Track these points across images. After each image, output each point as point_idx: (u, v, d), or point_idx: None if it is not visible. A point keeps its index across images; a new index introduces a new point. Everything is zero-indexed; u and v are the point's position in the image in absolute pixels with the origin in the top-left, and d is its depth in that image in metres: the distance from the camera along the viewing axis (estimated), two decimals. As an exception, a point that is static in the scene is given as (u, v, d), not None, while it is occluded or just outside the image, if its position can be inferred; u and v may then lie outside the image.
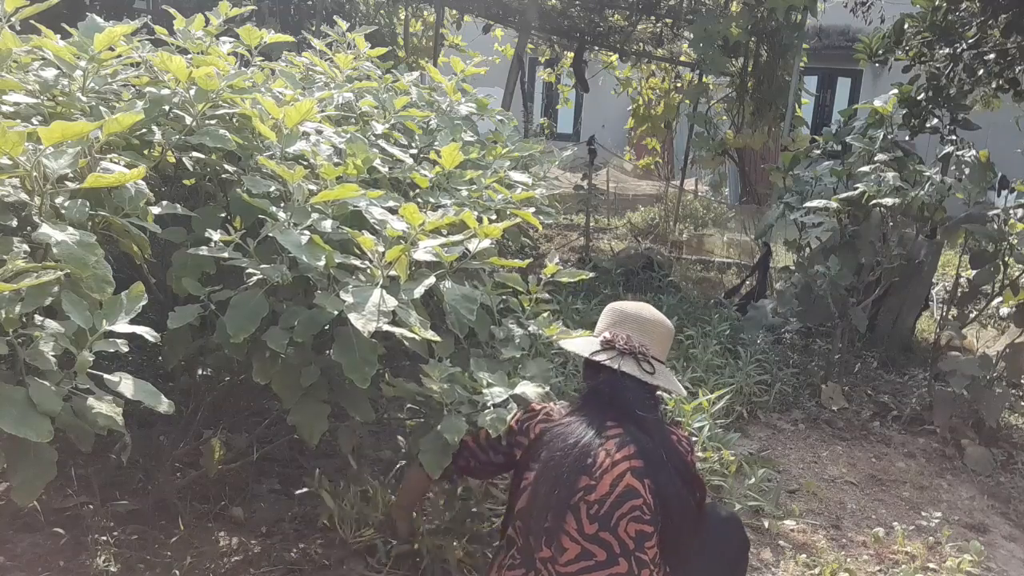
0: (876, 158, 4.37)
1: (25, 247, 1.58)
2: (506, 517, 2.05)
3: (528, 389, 2.09)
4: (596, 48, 10.04)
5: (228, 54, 2.43)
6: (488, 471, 2.17)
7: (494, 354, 2.28)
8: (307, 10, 7.53)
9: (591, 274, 2.37)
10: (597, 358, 1.98)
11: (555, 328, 2.34)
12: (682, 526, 1.87)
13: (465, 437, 1.99)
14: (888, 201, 4.11)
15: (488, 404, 2.02)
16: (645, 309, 2.10)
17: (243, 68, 2.44)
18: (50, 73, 2.07)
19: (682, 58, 9.45)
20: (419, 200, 2.36)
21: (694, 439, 3.37)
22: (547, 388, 2.16)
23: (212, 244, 1.88)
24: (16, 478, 1.53)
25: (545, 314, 2.44)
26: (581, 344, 2.08)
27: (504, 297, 2.40)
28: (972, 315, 4.58)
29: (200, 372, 2.56)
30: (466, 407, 2.05)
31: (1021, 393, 4.74)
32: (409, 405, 2.54)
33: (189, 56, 2.26)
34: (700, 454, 3.33)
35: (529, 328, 2.37)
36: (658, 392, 2.03)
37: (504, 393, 2.05)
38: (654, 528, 1.81)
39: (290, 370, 1.95)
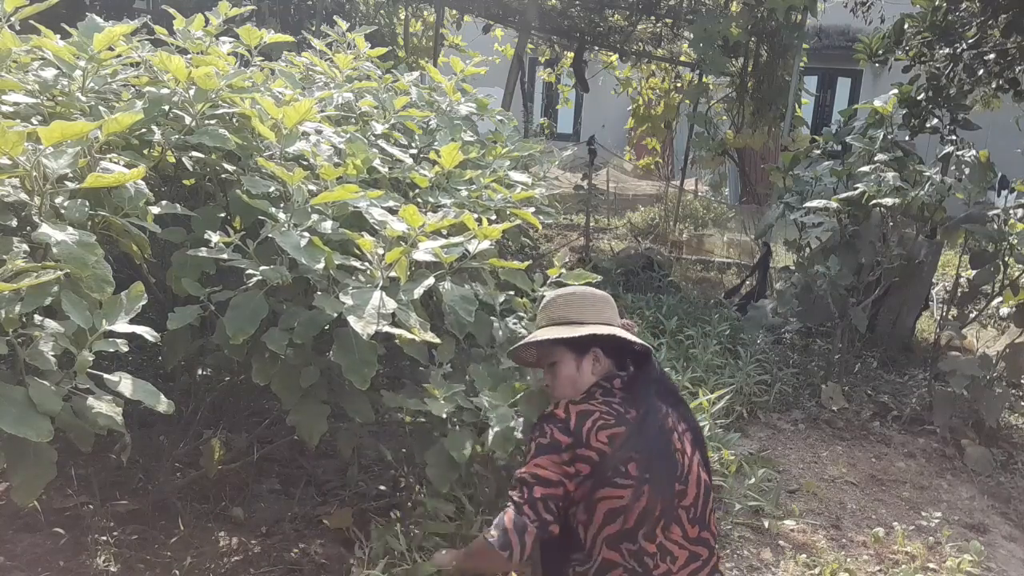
0: (876, 158, 4.37)
1: (25, 247, 1.58)
2: (595, 538, 1.74)
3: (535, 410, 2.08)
4: (596, 48, 10.04)
5: (228, 54, 2.43)
6: (566, 501, 1.77)
7: (493, 356, 2.28)
8: (307, 10, 7.53)
9: (599, 277, 2.36)
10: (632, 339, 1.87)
11: None
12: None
13: (529, 494, 1.69)
14: (888, 201, 4.11)
15: (493, 424, 2.00)
16: (597, 291, 1.99)
17: (243, 68, 2.44)
18: (50, 73, 2.07)
19: (682, 58, 9.44)
20: (419, 200, 2.36)
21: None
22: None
23: (212, 245, 1.88)
24: (16, 478, 1.53)
25: None
26: (611, 329, 1.87)
27: (508, 294, 2.40)
28: (972, 315, 4.59)
29: (200, 372, 2.56)
30: (469, 415, 2.05)
31: (1021, 393, 4.74)
32: (409, 405, 2.54)
33: (189, 56, 2.26)
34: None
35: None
36: None
37: (510, 414, 2.03)
38: None
39: (290, 371, 1.95)
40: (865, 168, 4.39)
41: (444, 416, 2.01)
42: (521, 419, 2.06)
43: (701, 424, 3.46)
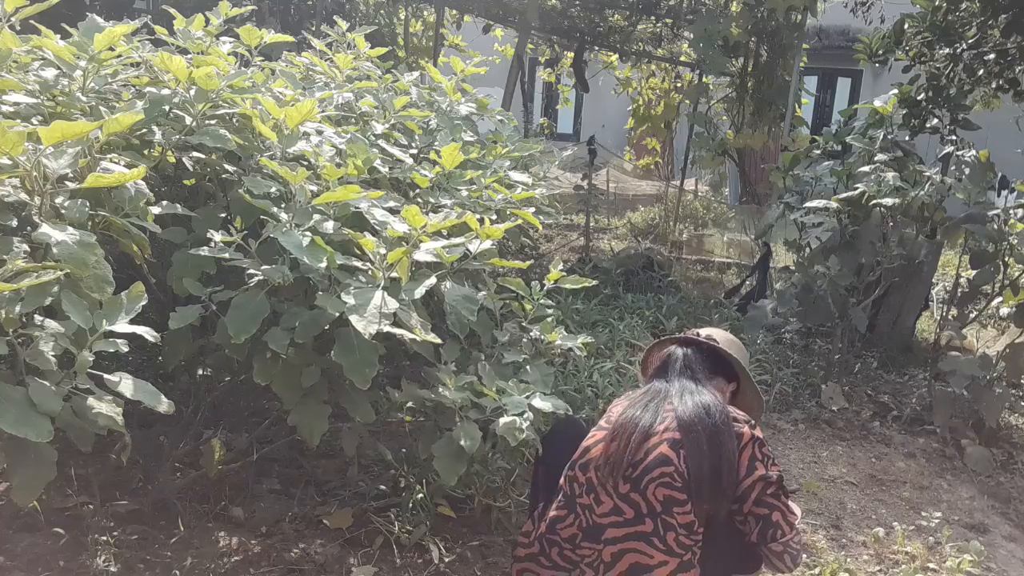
0: (876, 158, 4.36)
1: (25, 247, 1.58)
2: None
3: (547, 404, 2.13)
4: (596, 48, 10.04)
5: (228, 54, 2.43)
6: None
7: (495, 355, 2.28)
8: (307, 10, 7.53)
9: (594, 281, 2.42)
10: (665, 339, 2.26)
11: (556, 335, 2.34)
12: (700, 493, 1.91)
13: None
14: (888, 201, 4.11)
15: (507, 411, 2.04)
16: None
17: (243, 68, 2.44)
18: (50, 73, 2.07)
19: (682, 58, 9.45)
20: (419, 200, 2.36)
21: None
22: (567, 409, 2.20)
23: (213, 244, 1.88)
24: (16, 478, 1.53)
25: (549, 319, 2.44)
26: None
27: (505, 301, 2.41)
28: (972, 315, 4.58)
29: (200, 372, 2.56)
30: (474, 412, 2.06)
31: (1021, 393, 4.73)
32: (410, 404, 2.54)
33: (189, 56, 2.26)
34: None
35: (531, 333, 2.38)
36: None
37: (523, 404, 2.08)
38: (687, 496, 1.89)
39: (291, 371, 1.96)
40: (865, 168, 4.38)
41: (456, 406, 2.04)
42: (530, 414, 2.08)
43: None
